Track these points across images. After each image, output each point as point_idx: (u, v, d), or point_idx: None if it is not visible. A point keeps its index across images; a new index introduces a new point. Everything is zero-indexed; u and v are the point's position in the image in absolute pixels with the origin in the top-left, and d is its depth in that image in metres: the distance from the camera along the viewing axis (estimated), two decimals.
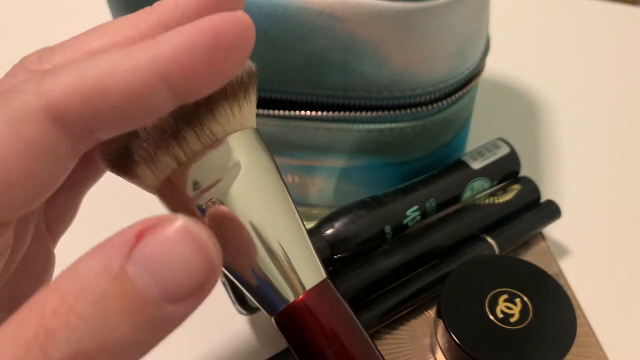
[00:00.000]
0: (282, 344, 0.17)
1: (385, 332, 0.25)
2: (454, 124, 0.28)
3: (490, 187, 0.29)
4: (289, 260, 0.16)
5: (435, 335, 0.24)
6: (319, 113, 0.25)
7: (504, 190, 0.29)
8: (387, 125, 0.26)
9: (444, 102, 0.26)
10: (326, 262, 0.25)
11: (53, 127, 0.12)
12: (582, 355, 0.25)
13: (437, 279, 0.26)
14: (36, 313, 0.11)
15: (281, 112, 0.25)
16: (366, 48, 0.23)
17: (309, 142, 0.26)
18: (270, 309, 0.16)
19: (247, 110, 0.16)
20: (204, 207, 0.15)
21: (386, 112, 0.25)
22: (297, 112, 0.25)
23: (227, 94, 0.15)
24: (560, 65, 0.42)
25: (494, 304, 0.23)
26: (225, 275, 0.17)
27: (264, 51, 0.24)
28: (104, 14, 0.26)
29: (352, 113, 0.25)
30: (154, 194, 0.16)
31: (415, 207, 0.27)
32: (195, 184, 0.15)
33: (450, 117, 0.27)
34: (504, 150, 0.29)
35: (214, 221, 0.15)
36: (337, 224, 0.25)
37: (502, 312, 0.23)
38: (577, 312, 0.26)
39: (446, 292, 0.23)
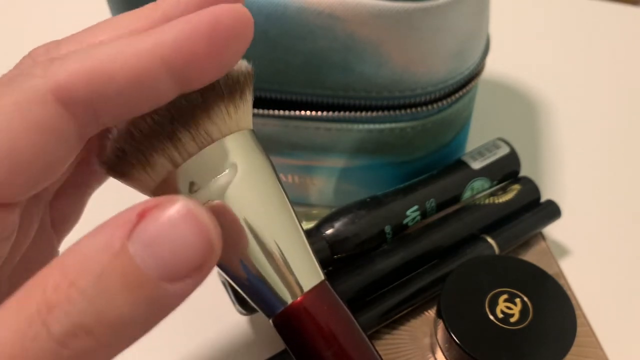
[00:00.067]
0: (281, 344, 0.17)
1: (385, 332, 0.25)
2: (454, 124, 0.28)
3: (490, 187, 0.29)
4: (287, 262, 0.16)
5: (435, 335, 0.24)
6: (319, 113, 0.25)
7: (504, 190, 0.29)
8: (387, 125, 0.26)
9: (444, 102, 0.26)
10: (326, 262, 0.25)
11: (60, 108, 0.13)
12: (582, 355, 0.25)
13: (437, 279, 0.26)
14: (39, 288, 0.11)
15: (281, 112, 0.25)
16: (366, 48, 0.23)
17: (309, 142, 0.26)
18: (268, 311, 0.16)
19: (243, 111, 0.16)
20: None
21: (386, 112, 0.25)
22: (297, 112, 0.25)
23: (223, 94, 0.15)
24: (560, 65, 0.42)
25: (494, 304, 0.23)
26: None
27: (264, 51, 0.23)
28: (104, 14, 0.26)
29: (352, 113, 0.25)
30: (150, 196, 0.16)
31: (415, 207, 0.27)
32: (192, 185, 0.15)
33: (450, 117, 0.27)
34: (504, 150, 0.29)
35: None
36: (337, 224, 0.25)
37: (502, 312, 0.23)
38: (577, 312, 0.26)
39: (446, 292, 0.23)
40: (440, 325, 0.23)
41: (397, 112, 0.25)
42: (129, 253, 0.11)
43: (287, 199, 0.17)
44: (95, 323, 0.11)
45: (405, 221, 0.26)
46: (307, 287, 0.16)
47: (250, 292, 0.16)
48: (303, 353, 0.17)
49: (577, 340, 0.22)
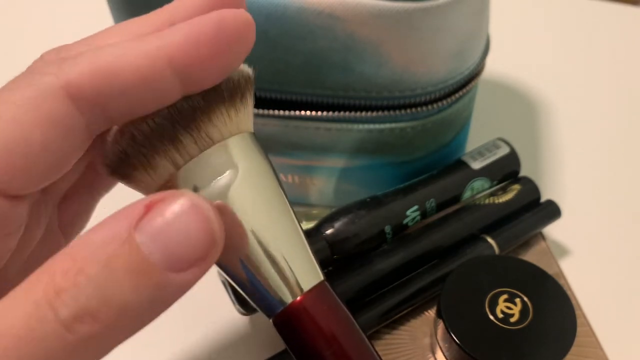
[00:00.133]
0: (282, 344, 0.17)
1: (385, 332, 0.25)
2: (454, 124, 0.28)
3: (490, 187, 0.29)
4: (287, 262, 0.16)
5: (435, 335, 0.24)
6: (319, 113, 0.25)
7: (504, 190, 0.29)
8: (387, 125, 0.26)
9: (444, 102, 0.26)
10: (326, 262, 0.25)
11: (70, 104, 0.13)
12: (582, 355, 0.25)
13: (437, 279, 0.26)
14: (47, 274, 0.12)
15: (281, 112, 0.25)
16: (366, 48, 0.23)
17: (309, 142, 0.26)
18: (268, 310, 0.16)
19: (244, 114, 0.16)
20: None
21: (386, 112, 0.25)
22: (297, 112, 0.25)
23: (224, 97, 0.15)
24: (560, 65, 0.42)
25: (494, 304, 0.23)
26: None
27: (264, 51, 0.24)
28: (104, 14, 0.26)
29: (352, 113, 0.25)
30: None
31: (415, 207, 0.27)
32: (193, 188, 0.15)
33: (450, 117, 0.27)
34: (504, 150, 0.29)
35: None
36: (337, 224, 0.25)
37: (502, 312, 0.23)
38: (577, 312, 0.26)
39: (446, 292, 0.23)
40: (440, 325, 0.23)
41: (397, 112, 0.25)
42: (136, 242, 0.12)
43: (287, 200, 0.17)
44: (100, 307, 0.11)
45: (405, 221, 0.26)
46: (306, 287, 0.16)
47: (250, 292, 0.16)
48: (303, 353, 0.17)
49: (577, 340, 0.22)
